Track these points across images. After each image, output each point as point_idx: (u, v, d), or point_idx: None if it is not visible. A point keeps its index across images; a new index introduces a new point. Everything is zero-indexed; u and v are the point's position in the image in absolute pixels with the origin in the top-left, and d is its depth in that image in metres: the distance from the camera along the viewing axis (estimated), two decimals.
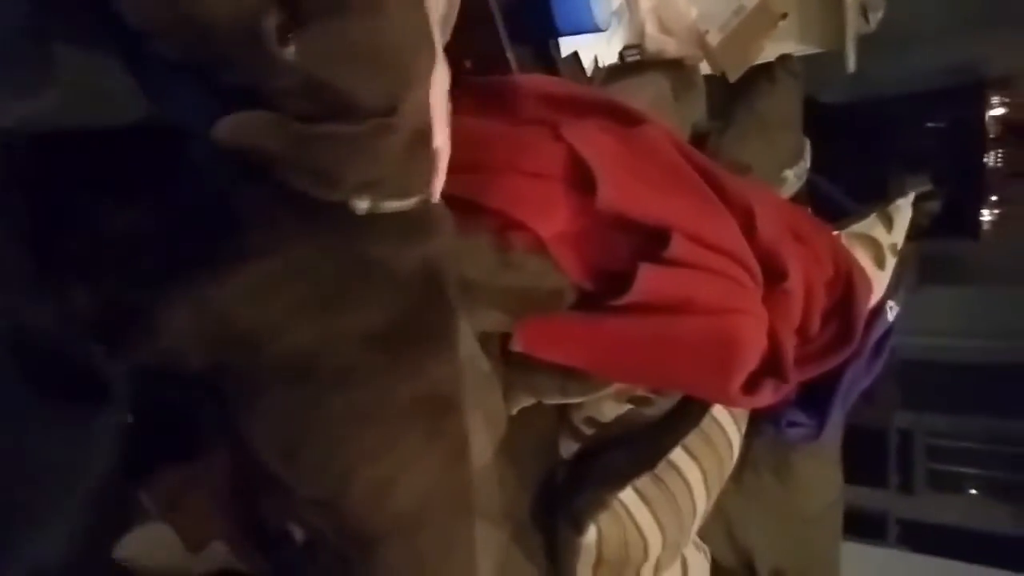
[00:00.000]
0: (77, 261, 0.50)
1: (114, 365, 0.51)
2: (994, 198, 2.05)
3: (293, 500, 0.51)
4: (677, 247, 0.76)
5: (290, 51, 0.45)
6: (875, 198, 1.15)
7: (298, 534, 0.54)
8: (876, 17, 1.35)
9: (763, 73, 1.15)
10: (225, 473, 0.54)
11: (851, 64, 1.41)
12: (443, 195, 0.82)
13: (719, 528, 1.22)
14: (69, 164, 0.51)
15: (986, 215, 2.07)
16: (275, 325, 0.50)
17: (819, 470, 1.29)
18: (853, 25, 1.34)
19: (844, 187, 1.26)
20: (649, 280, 0.76)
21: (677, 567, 1.10)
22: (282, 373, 0.50)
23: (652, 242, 0.78)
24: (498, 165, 0.79)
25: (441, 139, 0.59)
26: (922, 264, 1.26)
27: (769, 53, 1.21)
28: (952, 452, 2.34)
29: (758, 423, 1.11)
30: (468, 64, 0.85)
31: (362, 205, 0.52)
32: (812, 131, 1.32)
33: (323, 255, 0.52)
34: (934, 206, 1.16)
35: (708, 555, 1.17)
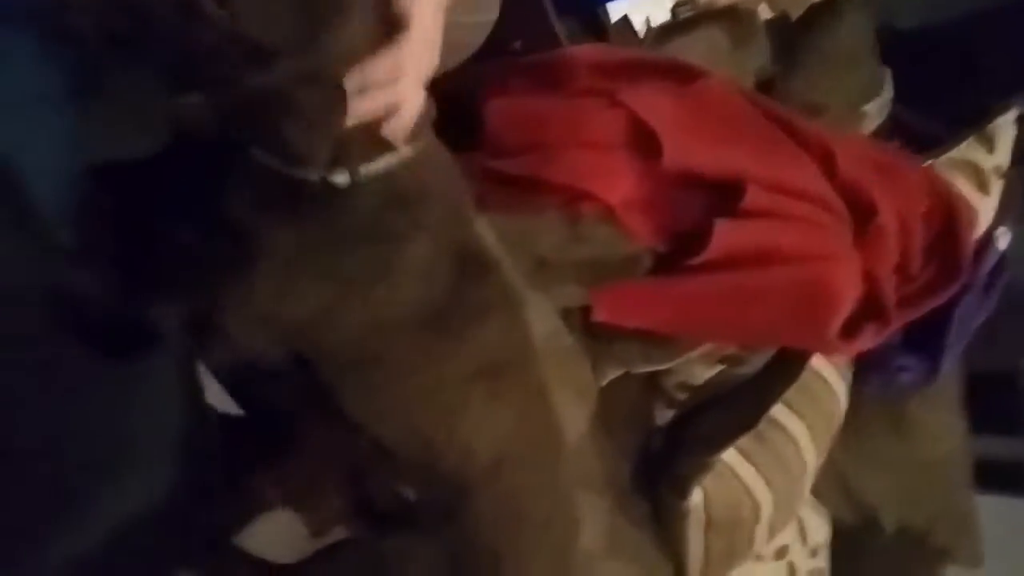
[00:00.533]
0: (155, 279, 0.54)
1: (167, 317, 0.54)
2: None
3: (396, 466, 0.55)
4: (752, 198, 0.74)
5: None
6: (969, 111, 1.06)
7: (411, 494, 0.58)
8: None
9: (826, 8, 1.08)
10: (335, 455, 0.58)
11: None
12: (506, 176, 0.84)
13: (835, 486, 1.17)
14: (126, 189, 0.55)
15: None
16: (317, 320, 0.52)
17: (937, 416, 1.21)
18: None
19: (940, 117, 1.17)
20: (726, 235, 0.75)
21: (794, 529, 1.07)
22: (350, 361, 0.53)
23: (726, 196, 0.76)
24: (557, 140, 0.79)
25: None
26: None
27: None
28: None
29: (865, 371, 1.06)
30: (517, 45, 0.86)
31: (340, 179, 0.50)
32: (893, 61, 1.24)
33: (329, 244, 0.52)
34: None
35: (827, 517, 1.13)
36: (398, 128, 0.51)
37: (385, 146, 0.52)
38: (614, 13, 0.91)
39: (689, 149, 0.75)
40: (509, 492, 0.61)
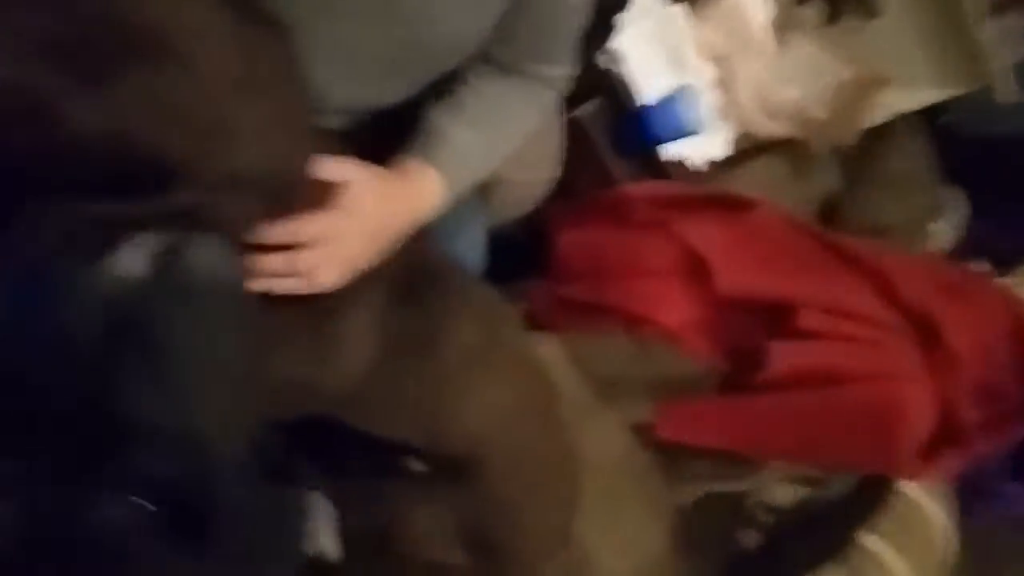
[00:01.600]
0: None
1: None
2: None
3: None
4: (805, 318, 0.77)
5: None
6: None
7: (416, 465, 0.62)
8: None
9: (881, 135, 1.13)
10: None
11: (1012, 94, 1.31)
12: (575, 302, 0.92)
13: None
14: None
15: None
16: (297, 381, 0.51)
17: None
18: (998, 56, 1.26)
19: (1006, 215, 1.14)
20: (783, 355, 0.77)
21: None
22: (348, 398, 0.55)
23: (781, 318, 0.79)
24: (618, 269, 0.87)
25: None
26: None
27: (906, 103, 1.16)
28: None
29: (969, 501, 0.98)
30: (583, 185, 0.97)
31: None
32: (972, 172, 1.23)
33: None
34: None
35: None
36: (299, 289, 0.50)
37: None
38: (669, 152, 1.01)
39: (739, 274, 0.80)
40: (517, 453, 0.66)
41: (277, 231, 0.47)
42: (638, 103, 0.97)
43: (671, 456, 0.95)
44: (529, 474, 0.69)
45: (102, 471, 0.35)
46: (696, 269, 0.83)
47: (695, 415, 0.85)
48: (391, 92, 0.60)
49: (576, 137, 0.97)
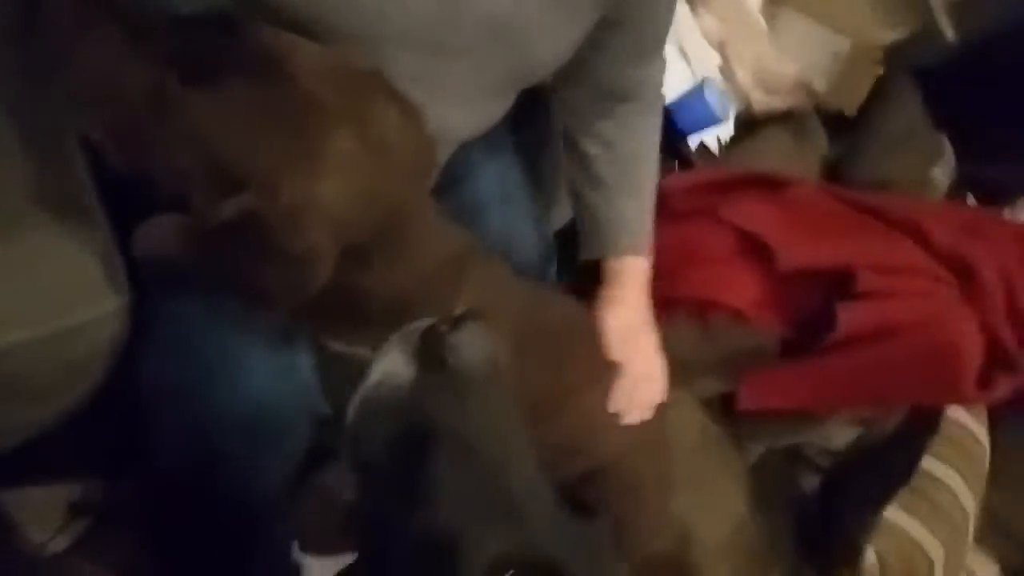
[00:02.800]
0: None
1: None
2: None
3: None
4: (864, 281, 0.85)
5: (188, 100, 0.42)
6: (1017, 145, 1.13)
7: None
8: None
9: (876, 94, 1.21)
10: None
11: (949, 34, 1.42)
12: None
13: (996, 531, 1.18)
14: None
15: None
16: None
17: None
18: None
19: (997, 160, 1.25)
20: (849, 315, 0.85)
21: None
22: None
23: (839, 282, 0.87)
24: (677, 262, 0.93)
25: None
26: None
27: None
28: None
29: (1000, 413, 1.10)
30: None
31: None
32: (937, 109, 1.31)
33: None
34: None
35: (996, 564, 1.14)
36: None
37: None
38: (693, 142, 1.06)
39: (797, 249, 0.87)
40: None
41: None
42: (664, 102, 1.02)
43: (746, 422, 1.02)
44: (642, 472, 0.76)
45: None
46: (754, 249, 0.89)
47: (770, 384, 0.93)
48: (496, 113, 0.63)
49: None
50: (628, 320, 0.70)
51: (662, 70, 0.72)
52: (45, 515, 0.60)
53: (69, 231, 0.47)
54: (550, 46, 0.59)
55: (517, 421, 0.40)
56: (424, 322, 0.41)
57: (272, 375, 0.53)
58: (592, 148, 0.68)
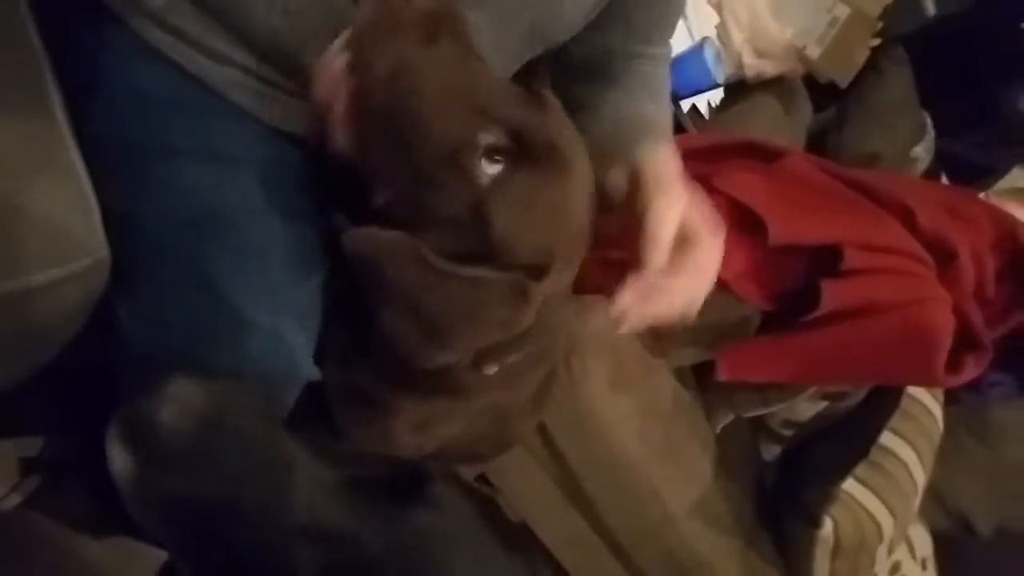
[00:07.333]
0: None
1: None
2: None
3: None
4: (850, 259, 0.84)
5: (488, 173, 0.43)
6: (989, 121, 1.14)
7: None
8: None
9: (868, 65, 1.20)
10: None
11: (930, 8, 1.41)
12: (621, 262, 0.95)
13: (929, 498, 1.24)
14: None
15: None
16: None
17: (1021, 418, 1.29)
18: None
19: (968, 136, 1.26)
20: (833, 292, 0.84)
21: (904, 546, 1.14)
22: None
23: (825, 258, 0.86)
24: None
25: None
26: None
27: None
28: None
29: (956, 392, 1.14)
30: None
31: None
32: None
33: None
34: None
35: (926, 527, 1.20)
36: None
37: None
38: (685, 106, 1.03)
39: (788, 223, 0.85)
40: None
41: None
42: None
43: (717, 391, 1.03)
44: None
45: None
46: (744, 220, 0.87)
47: (749, 356, 0.92)
48: (508, 75, 0.59)
49: None
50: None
51: (667, 56, 0.68)
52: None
53: (46, 184, 0.45)
54: (571, 10, 0.56)
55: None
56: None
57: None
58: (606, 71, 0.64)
